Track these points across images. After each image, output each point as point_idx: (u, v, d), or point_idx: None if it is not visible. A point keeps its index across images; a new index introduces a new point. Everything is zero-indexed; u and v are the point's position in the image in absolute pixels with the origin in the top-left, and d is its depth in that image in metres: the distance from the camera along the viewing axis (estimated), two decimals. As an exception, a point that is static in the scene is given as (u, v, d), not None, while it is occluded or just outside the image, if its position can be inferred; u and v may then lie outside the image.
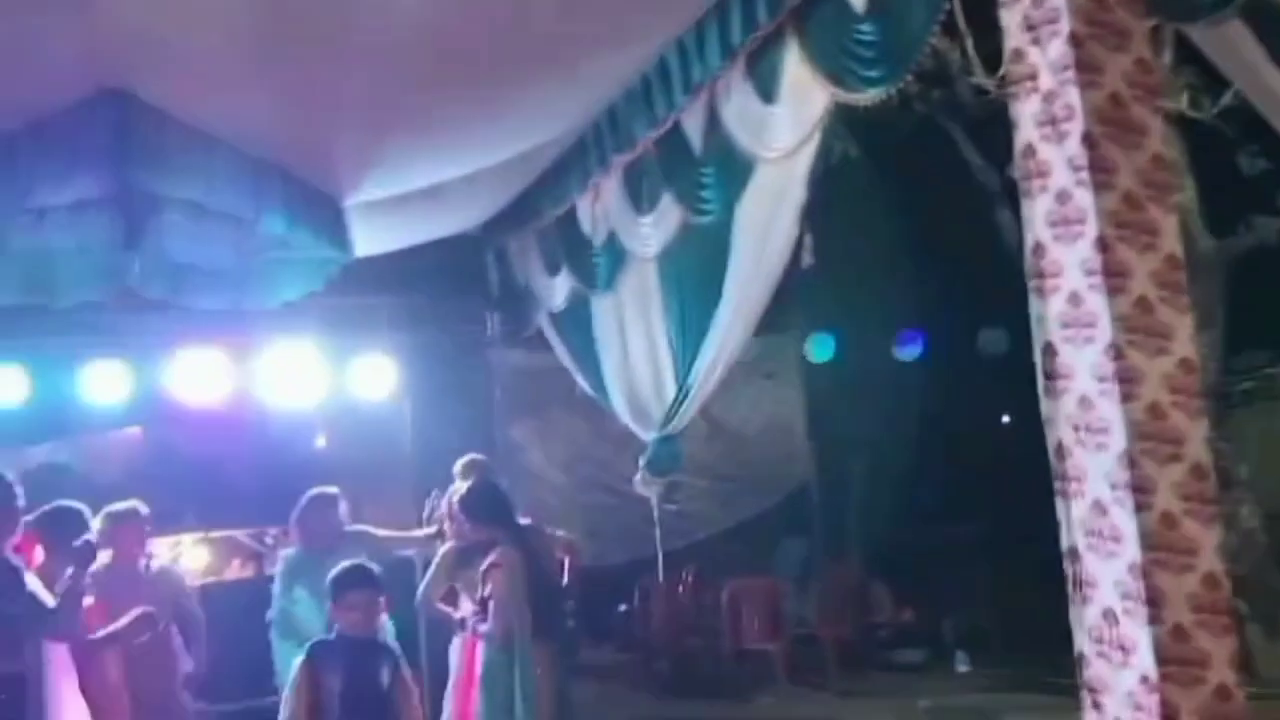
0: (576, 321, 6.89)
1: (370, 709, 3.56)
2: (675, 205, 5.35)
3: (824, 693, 8.07)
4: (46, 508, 4.45)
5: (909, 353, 10.75)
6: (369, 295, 7.30)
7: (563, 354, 7.25)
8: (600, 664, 9.66)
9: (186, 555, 7.87)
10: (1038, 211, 2.99)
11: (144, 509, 5.04)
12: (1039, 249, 2.99)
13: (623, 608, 9.71)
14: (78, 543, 4.09)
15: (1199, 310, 3.69)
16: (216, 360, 6.90)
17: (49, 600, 3.94)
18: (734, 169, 4.82)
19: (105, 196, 4.97)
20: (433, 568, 4.84)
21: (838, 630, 8.79)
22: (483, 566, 4.41)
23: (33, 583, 3.94)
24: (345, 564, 3.82)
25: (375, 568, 3.88)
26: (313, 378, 7.21)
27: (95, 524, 4.78)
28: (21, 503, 4.16)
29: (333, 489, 5.52)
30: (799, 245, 4.70)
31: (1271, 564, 7.77)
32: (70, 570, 4.01)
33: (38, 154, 4.41)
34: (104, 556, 4.67)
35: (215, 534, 8.32)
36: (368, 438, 8.26)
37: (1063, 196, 2.90)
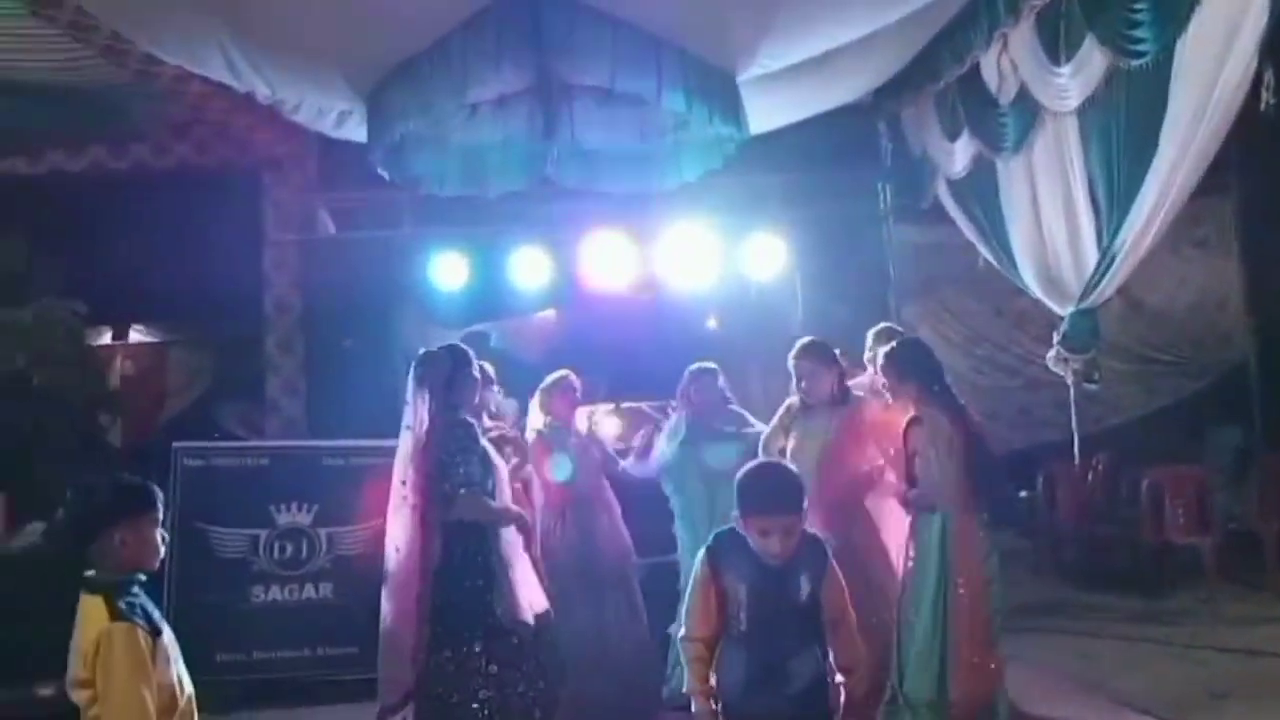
0: (980, 189, 6.50)
1: (785, 625, 2.89)
2: (1099, 50, 4.83)
3: (1262, 593, 7.24)
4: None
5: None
6: (760, 173, 7.34)
7: (964, 224, 6.88)
8: (999, 548, 9.36)
9: (600, 424, 8.54)
10: None
11: (574, 378, 5.55)
12: None
13: (1023, 493, 9.27)
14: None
15: None
16: (622, 244, 7.33)
17: (501, 465, 4.37)
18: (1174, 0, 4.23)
19: (525, 89, 5.35)
20: (774, 420, 4.90)
21: (1280, 527, 7.83)
22: (903, 422, 4.32)
23: (487, 445, 4.36)
24: (764, 464, 3.22)
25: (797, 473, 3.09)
26: (707, 259, 7.45)
27: (537, 397, 5.45)
28: (477, 372, 4.58)
29: (711, 363, 5.68)
30: (1256, 85, 4.01)
31: None
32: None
33: (469, 51, 4.80)
34: (542, 419, 5.39)
35: (624, 405, 8.98)
36: (757, 319, 8.42)
37: None
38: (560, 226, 7.44)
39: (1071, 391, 6.03)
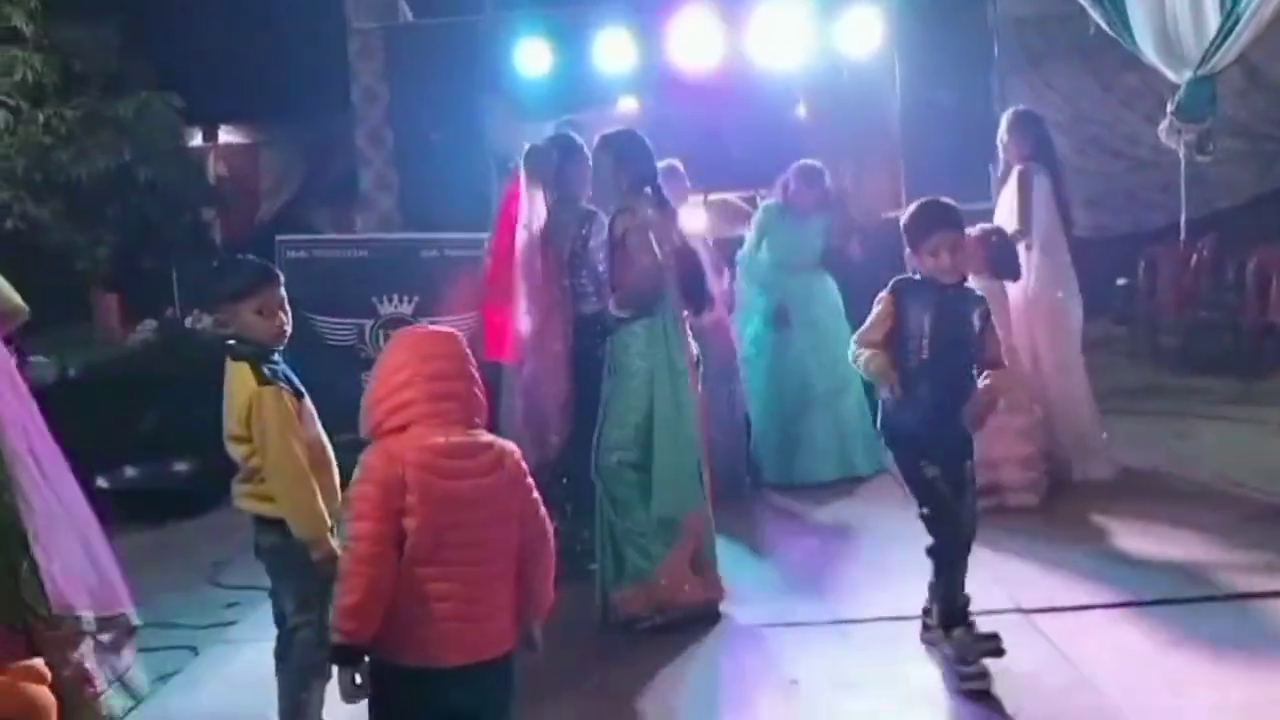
0: (1095, -54, 6.02)
1: (960, 355, 3.16)
2: None
3: (1366, 375, 7.06)
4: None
5: None
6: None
7: (1077, -14, 6.41)
8: (1093, 336, 9.20)
9: (688, 216, 8.47)
10: None
11: (681, 166, 5.35)
12: None
13: (1122, 281, 9.04)
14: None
15: None
16: (709, 23, 7.05)
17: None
18: None
19: None
20: None
21: (1395, 307, 7.51)
22: None
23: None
24: (924, 201, 3.24)
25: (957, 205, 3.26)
26: (799, 37, 7.13)
27: None
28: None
29: (817, 163, 5.55)
30: None
31: None
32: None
33: None
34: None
35: (712, 197, 8.87)
36: (851, 101, 8.12)
37: None
38: (645, 5, 7.17)
39: (1182, 167, 5.74)
